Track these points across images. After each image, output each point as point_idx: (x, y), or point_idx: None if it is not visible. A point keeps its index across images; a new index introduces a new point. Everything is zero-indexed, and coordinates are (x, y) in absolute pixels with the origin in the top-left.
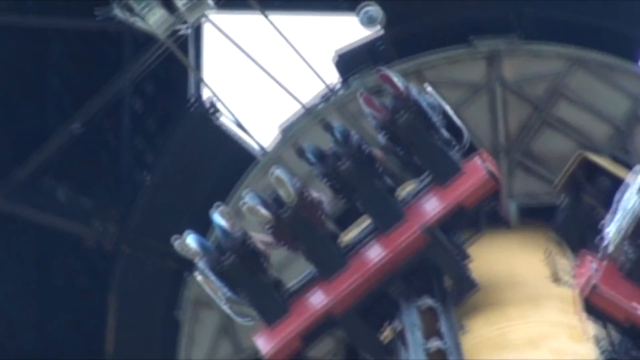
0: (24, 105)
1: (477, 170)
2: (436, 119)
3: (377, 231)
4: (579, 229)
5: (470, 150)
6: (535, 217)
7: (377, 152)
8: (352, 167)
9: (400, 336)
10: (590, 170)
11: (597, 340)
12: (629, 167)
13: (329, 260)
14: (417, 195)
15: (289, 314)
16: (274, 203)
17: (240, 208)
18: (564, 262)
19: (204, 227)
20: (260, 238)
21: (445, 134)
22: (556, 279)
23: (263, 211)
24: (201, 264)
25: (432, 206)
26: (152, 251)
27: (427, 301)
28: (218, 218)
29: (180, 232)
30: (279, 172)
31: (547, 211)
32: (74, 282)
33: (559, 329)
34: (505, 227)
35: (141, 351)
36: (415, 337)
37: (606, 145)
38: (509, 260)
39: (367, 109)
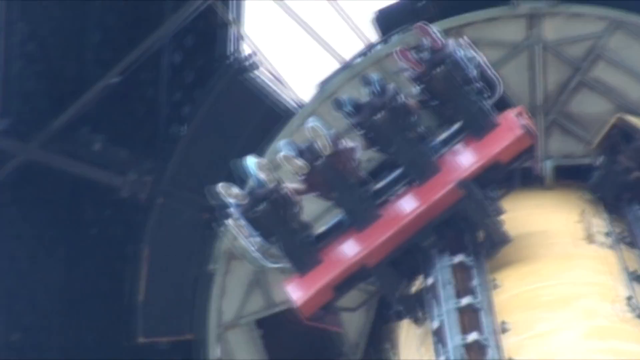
0: (64, 57)
1: (514, 125)
2: (472, 72)
3: (410, 182)
4: (614, 189)
5: (505, 106)
6: (571, 177)
7: (412, 102)
8: (388, 118)
9: (432, 290)
10: (627, 132)
11: (629, 299)
12: None
13: (363, 211)
14: (452, 147)
15: (322, 264)
16: (308, 152)
17: (274, 161)
18: (599, 222)
19: (238, 180)
20: (292, 186)
21: (480, 86)
22: (590, 239)
23: (299, 161)
24: (235, 211)
25: (468, 160)
26: (186, 203)
27: (460, 257)
28: (254, 167)
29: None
30: (315, 123)
31: (582, 171)
32: (108, 232)
33: (591, 289)
34: (540, 186)
35: (172, 302)
36: (447, 292)
37: None
38: (543, 219)
39: (403, 63)
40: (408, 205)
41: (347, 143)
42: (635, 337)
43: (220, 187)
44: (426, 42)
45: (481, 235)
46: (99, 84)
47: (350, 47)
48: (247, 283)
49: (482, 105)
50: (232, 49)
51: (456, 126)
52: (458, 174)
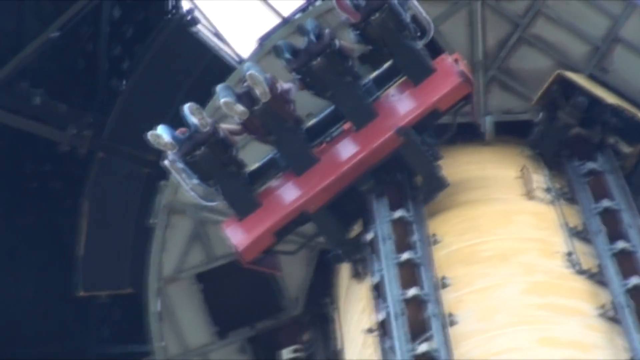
0: (2, 11)
1: (451, 72)
2: (406, 16)
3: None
4: (554, 146)
5: (438, 51)
6: (511, 133)
7: (348, 45)
8: (324, 63)
9: (371, 245)
10: (568, 88)
11: (568, 255)
12: (606, 86)
13: (301, 155)
14: (388, 90)
15: (261, 208)
16: (245, 96)
17: (216, 112)
18: (538, 178)
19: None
20: (229, 127)
21: (413, 29)
22: (530, 194)
23: (239, 107)
24: (172, 155)
25: (406, 106)
26: (126, 157)
27: (400, 212)
28: (187, 112)
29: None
30: (253, 70)
31: (523, 127)
32: (48, 186)
33: (531, 244)
34: (480, 141)
35: (112, 256)
36: (387, 248)
37: (584, 64)
38: (483, 175)
39: (342, 14)
40: (347, 150)
41: (284, 85)
42: (574, 293)
43: (150, 135)
44: None
45: (419, 180)
46: (38, 38)
47: (291, 2)
48: (188, 237)
49: (419, 51)
50: (171, 4)
51: (387, 65)
52: (397, 121)
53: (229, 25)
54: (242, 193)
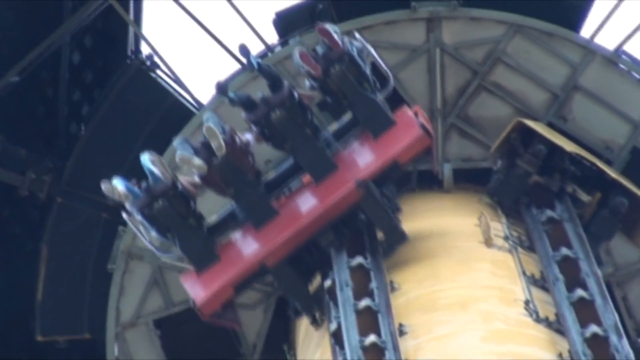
0: None
1: (412, 124)
2: (366, 68)
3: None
4: (513, 194)
5: (399, 101)
6: (470, 181)
7: (307, 94)
8: (283, 115)
9: (330, 292)
10: (527, 136)
11: (527, 303)
12: (565, 134)
13: (260, 208)
14: (347, 143)
15: (220, 261)
16: (204, 148)
17: (174, 160)
18: (497, 226)
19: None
20: (188, 180)
21: (373, 80)
22: (488, 242)
23: (197, 161)
24: (130, 206)
25: (366, 159)
26: (85, 202)
27: (359, 259)
28: (148, 163)
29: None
30: (210, 123)
31: (482, 175)
32: (7, 230)
33: (490, 292)
34: (439, 189)
35: (72, 301)
36: (345, 294)
37: (543, 112)
38: (442, 222)
39: (302, 65)
40: (307, 204)
41: (242, 137)
42: (532, 341)
43: (104, 186)
44: (325, 43)
45: (379, 234)
46: None
47: (251, 48)
48: (146, 283)
49: (379, 103)
50: (131, 50)
51: (347, 117)
52: (356, 174)
53: (189, 71)
54: (201, 246)
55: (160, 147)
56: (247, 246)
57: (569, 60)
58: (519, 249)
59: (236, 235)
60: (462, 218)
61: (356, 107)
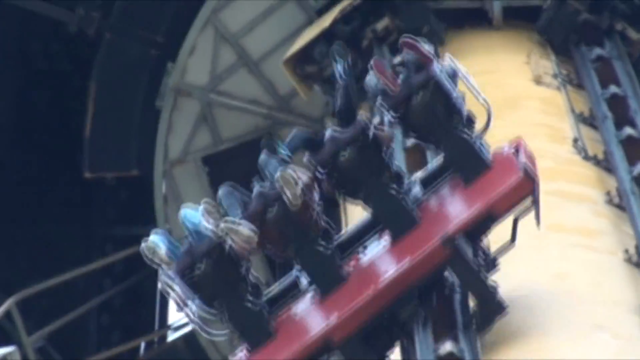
0: None
1: (511, 166)
2: (458, 97)
3: (381, 233)
4: (563, 31)
5: None
6: (520, 18)
7: (385, 135)
8: (356, 156)
9: None
10: None
11: (575, 141)
12: None
13: (326, 272)
14: (434, 192)
15: (276, 338)
16: (260, 198)
17: None
18: (546, 64)
19: (189, 14)
20: (242, 240)
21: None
22: (537, 80)
23: (246, 231)
24: (169, 271)
25: (455, 211)
26: (135, 39)
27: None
28: (196, 216)
29: (165, 21)
30: (289, 170)
31: (532, 12)
32: (56, 67)
33: (539, 130)
34: (488, 26)
35: (120, 138)
36: None
37: None
38: (491, 60)
39: (375, 79)
40: (382, 265)
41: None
42: (581, 179)
43: (143, 245)
44: (410, 56)
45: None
46: None
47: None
48: (195, 119)
49: (474, 145)
50: None
51: (437, 163)
52: (442, 228)
53: None
54: (254, 320)
55: None
56: (309, 318)
57: None
58: (568, 87)
59: (296, 305)
60: (511, 55)
61: (443, 145)
